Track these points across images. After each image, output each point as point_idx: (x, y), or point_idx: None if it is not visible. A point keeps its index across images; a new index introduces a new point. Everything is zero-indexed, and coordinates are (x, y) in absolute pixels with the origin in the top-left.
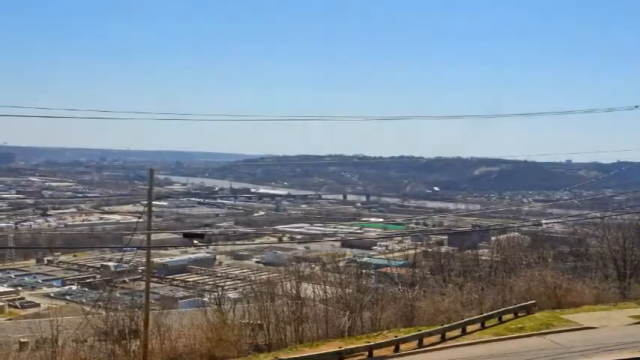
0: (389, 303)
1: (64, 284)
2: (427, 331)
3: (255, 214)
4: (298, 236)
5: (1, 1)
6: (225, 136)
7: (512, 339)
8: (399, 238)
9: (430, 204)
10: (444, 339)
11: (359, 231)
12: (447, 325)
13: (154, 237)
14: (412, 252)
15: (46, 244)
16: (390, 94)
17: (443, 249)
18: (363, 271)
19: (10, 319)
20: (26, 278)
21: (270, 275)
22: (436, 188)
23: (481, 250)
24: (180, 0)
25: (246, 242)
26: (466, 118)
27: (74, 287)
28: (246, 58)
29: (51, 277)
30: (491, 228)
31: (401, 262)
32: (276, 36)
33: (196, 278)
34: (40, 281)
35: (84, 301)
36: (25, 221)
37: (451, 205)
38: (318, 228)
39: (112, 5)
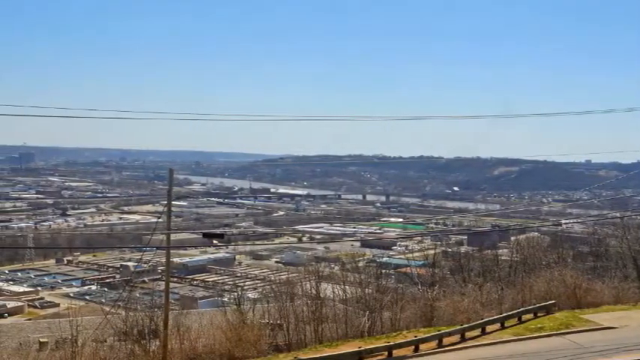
0: (408, 303)
1: (83, 284)
2: (447, 331)
3: (275, 214)
4: (318, 236)
5: (17, 1)
6: (244, 136)
7: (531, 339)
8: (419, 238)
9: (450, 204)
10: (463, 339)
11: (378, 231)
12: (466, 325)
13: (173, 237)
14: (432, 252)
15: (66, 244)
16: (408, 93)
17: (462, 249)
18: (383, 271)
19: (29, 319)
20: (46, 278)
21: (290, 275)
22: (455, 188)
23: (501, 250)
24: None
25: (266, 242)
26: (485, 118)
27: (94, 287)
28: (266, 57)
29: (70, 277)
30: (511, 228)
31: (420, 262)
32: (294, 34)
33: (216, 278)
34: (59, 281)
35: (103, 301)
36: (44, 221)
37: (471, 205)
38: (338, 228)
39: (128, 3)
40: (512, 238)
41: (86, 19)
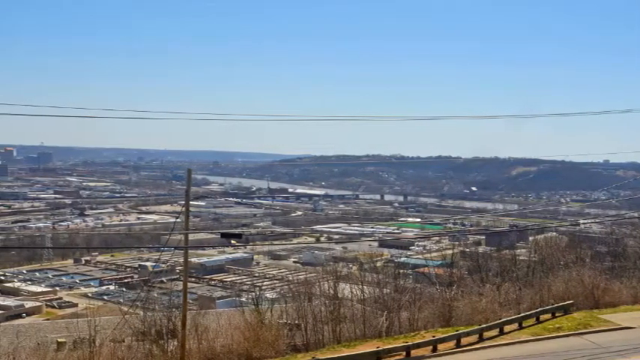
0: (426, 303)
1: (101, 284)
2: (465, 331)
3: (293, 214)
4: (336, 236)
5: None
6: (262, 136)
7: (549, 339)
8: (437, 239)
9: (468, 204)
10: (481, 339)
11: (396, 231)
12: (484, 325)
13: (191, 237)
14: (450, 252)
15: (84, 244)
16: (426, 93)
17: (480, 249)
18: (401, 271)
19: (47, 319)
20: (64, 278)
21: (308, 275)
22: (474, 188)
23: (519, 250)
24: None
25: (284, 242)
26: (504, 118)
27: (112, 287)
28: (282, 57)
29: (88, 277)
30: (529, 228)
31: (438, 262)
32: (310, 34)
33: (234, 278)
34: (77, 281)
35: (121, 301)
36: (62, 221)
37: (489, 205)
38: (356, 228)
39: (147, 3)
40: (531, 238)
41: (105, 18)
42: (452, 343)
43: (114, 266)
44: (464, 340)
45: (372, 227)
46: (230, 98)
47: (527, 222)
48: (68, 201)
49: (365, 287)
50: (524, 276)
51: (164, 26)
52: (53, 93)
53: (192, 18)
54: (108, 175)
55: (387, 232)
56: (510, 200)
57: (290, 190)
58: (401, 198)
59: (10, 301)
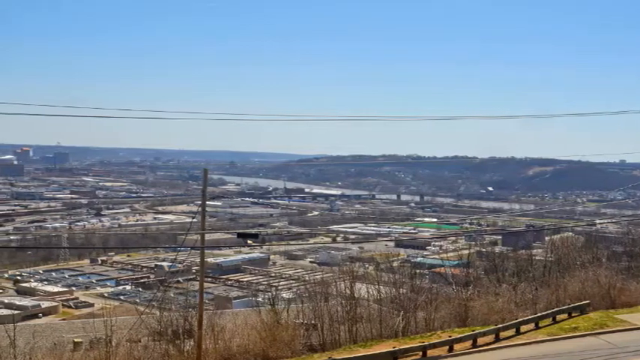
0: (443, 303)
1: (117, 284)
2: (481, 331)
3: (309, 214)
4: (352, 236)
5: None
6: (279, 136)
7: (566, 339)
8: (453, 239)
9: (484, 204)
10: (497, 339)
11: (413, 231)
12: (500, 325)
13: (208, 237)
14: (466, 252)
15: (100, 244)
16: (443, 93)
17: (497, 249)
18: (417, 271)
19: (64, 319)
20: (80, 278)
21: (324, 275)
22: (490, 188)
23: (535, 250)
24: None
25: (300, 242)
26: (520, 118)
27: (128, 287)
28: (299, 57)
29: (105, 277)
30: (545, 228)
31: (455, 262)
32: (326, 35)
33: (250, 278)
34: (93, 281)
35: (138, 301)
36: (79, 221)
37: (505, 205)
38: (372, 228)
39: (165, 3)
40: (547, 238)
41: (119, 18)
42: (468, 343)
43: (130, 266)
44: (480, 340)
45: (389, 227)
46: (245, 98)
47: (543, 222)
48: (84, 201)
49: (381, 287)
50: (541, 276)
51: (178, 25)
52: (69, 92)
53: (204, 17)
54: (124, 175)
55: (404, 232)
56: (526, 200)
57: (306, 190)
58: (417, 198)
59: (26, 301)
